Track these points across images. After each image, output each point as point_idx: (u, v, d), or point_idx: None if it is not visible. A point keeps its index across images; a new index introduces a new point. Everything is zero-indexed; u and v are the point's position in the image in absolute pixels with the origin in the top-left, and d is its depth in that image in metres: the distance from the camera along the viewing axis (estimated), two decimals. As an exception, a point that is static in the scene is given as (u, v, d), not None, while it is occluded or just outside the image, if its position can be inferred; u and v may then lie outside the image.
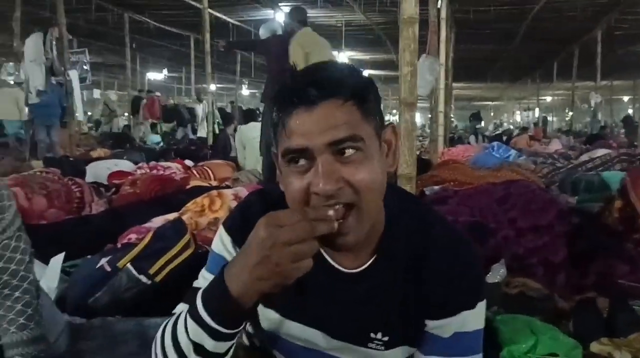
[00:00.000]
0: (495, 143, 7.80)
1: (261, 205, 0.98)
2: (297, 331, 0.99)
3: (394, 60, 15.12)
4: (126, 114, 14.43)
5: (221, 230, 1.03)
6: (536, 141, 11.66)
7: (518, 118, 33.85)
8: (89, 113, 19.78)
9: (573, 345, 1.63)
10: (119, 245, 2.49)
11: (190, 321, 0.82)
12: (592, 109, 14.38)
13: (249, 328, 1.08)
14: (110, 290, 1.98)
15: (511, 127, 23.43)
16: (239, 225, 0.99)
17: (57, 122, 6.83)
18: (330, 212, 0.78)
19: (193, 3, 9.51)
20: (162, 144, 11.23)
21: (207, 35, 8.13)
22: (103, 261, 2.08)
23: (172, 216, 2.92)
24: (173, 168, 5.05)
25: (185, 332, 0.83)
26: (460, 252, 0.93)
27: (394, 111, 34.36)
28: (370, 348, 0.95)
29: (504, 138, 12.50)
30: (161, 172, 4.78)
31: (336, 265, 0.94)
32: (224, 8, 10.46)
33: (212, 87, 12.44)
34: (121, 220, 3.02)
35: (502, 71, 19.01)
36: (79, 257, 2.42)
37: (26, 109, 7.05)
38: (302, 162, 0.83)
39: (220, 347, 0.82)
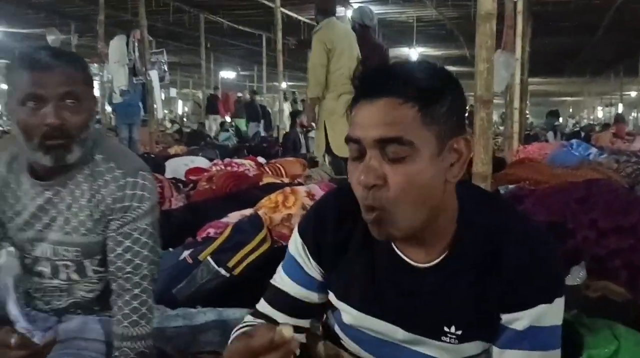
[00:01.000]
0: (574, 140, 7.48)
1: (334, 208, 1.03)
2: (373, 325, 1.01)
3: (467, 55, 14.79)
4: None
5: (295, 234, 1.09)
6: (619, 138, 11.08)
7: (599, 114, 32.24)
8: (166, 111, 20.57)
9: (659, 352, 1.56)
10: (198, 239, 2.60)
11: None
12: (681, 104, 13.47)
13: (330, 319, 1.12)
14: (192, 282, 2.08)
15: (591, 123, 22.35)
16: (312, 230, 1.05)
17: (139, 121, 7.17)
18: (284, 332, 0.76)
19: (265, 2, 9.69)
20: (230, 140, 11.45)
21: (279, 34, 8.26)
22: (185, 254, 2.18)
23: (247, 211, 3.02)
24: (246, 165, 5.18)
25: None
26: (538, 246, 0.92)
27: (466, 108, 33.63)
28: (444, 342, 0.96)
29: (582, 134, 11.94)
30: (235, 169, 4.92)
31: (407, 260, 0.95)
32: (296, 6, 10.59)
33: (284, 84, 12.65)
34: (199, 215, 3.14)
35: (582, 65, 18.16)
36: (162, 249, 2.55)
37: (108, 108, 7.45)
38: (356, 154, 0.86)
39: None
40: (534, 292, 0.91)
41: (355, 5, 9.69)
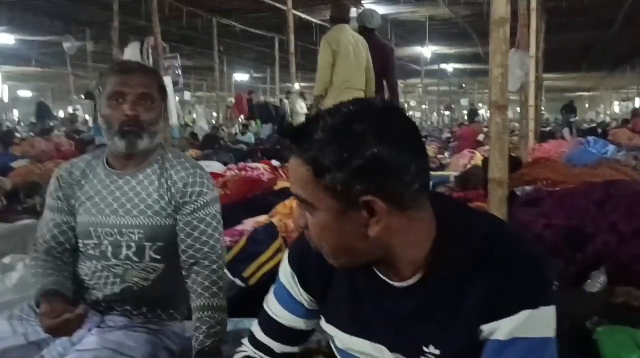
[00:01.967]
0: (591, 138, 7.39)
1: None
2: (360, 346, 1.02)
3: (480, 53, 14.69)
4: (214, 114, 14.94)
5: (285, 262, 1.12)
6: (637, 134, 10.92)
7: (616, 109, 31.81)
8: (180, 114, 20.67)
9: (683, 361, 1.53)
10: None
11: None
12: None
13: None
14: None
15: (607, 118, 22.04)
16: (299, 258, 1.08)
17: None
18: None
19: (277, 5, 9.70)
20: (251, 139, 11.52)
21: (291, 36, 8.27)
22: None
23: (262, 218, 3.02)
24: (260, 169, 5.18)
25: None
26: (520, 253, 0.90)
27: (480, 104, 33.43)
28: (419, 353, 0.94)
29: (599, 131, 11.78)
30: (249, 173, 4.92)
31: (386, 279, 0.95)
32: (308, 8, 10.59)
33: (297, 86, 12.65)
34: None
35: (598, 60, 17.95)
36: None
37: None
38: None
39: None
40: (515, 297, 0.86)
41: (367, 5, 9.68)
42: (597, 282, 2.06)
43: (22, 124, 21.16)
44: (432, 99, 27.88)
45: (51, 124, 15.03)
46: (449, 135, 13.16)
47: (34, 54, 16.22)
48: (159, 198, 1.55)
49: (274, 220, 2.93)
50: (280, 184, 4.44)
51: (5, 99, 18.17)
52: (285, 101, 11.23)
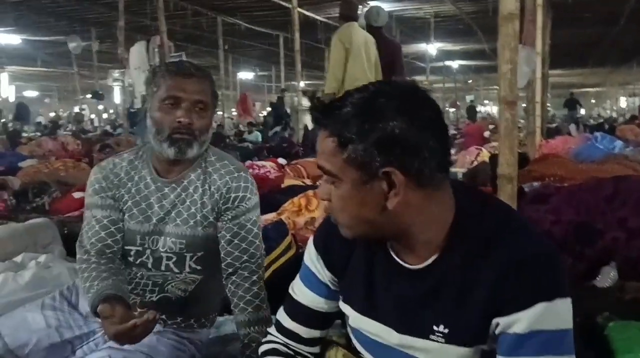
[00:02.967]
0: (598, 133, 7.35)
1: None
2: (370, 326, 1.05)
3: (485, 49, 14.64)
4: (219, 113, 14.96)
5: (310, 245, 1.16)
6: (644, 129, 10.87)
7: (622, 104, 31.66)
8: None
9: (696, 356, 1.52)
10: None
11: None
12: None
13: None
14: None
15: (614, 114, 21.93)
16: (323, 240, 1.11)
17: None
18: None
19: (282, 3, 9.70)
20: (259, 138, 11.53)
21: (296, 34, 8.27)
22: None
23: (270, 216, 3.02)
24: (267, 167, 5.18)
25: None
26: (533, 244, 0.91)
27: (485, 101, 33.27)
28: (432, 340, 0.96)
29: (606, 126, 11.74)
30: (257, 171, 4.93)
31: (401, 262, 0.99)
32: (312, 6, 10.58)
33: (302, 84, 12.65)
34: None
35: (604, 55, 17.86)
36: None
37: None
38: None
39: None
40: (530, 290, 0.87)
41: (372, 3, 9.66)
42: (607, 278, 2.06)
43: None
44: (437, 96, 27.83)
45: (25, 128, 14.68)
46: (454, 132, 13.13)
47: (40, 54, 16.28)
48: (201, 206, 1.50)
49: (283, 217, 2.94)
50: (288, 182, 4.45)
51: (12, 99, 18.19)
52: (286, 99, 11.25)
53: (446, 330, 0.94)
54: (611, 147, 6.23)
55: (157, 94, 1.46)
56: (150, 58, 6.70)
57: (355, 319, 1.07)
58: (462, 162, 6.21)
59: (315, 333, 1.16)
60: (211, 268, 1.55)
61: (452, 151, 8.48)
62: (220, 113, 15.05)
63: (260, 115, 17.89)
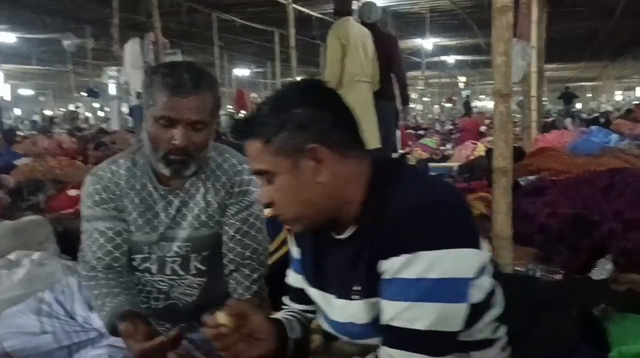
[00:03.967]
0: (593, 127, 7.38)
1: None
2: (314, 295, 1.15)
3: (481, 44, 14.64)
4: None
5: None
6: (639, 122, 10.88)
7: (618, 98, 31.73)
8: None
9: (691, 347, 1.52)
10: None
11: None
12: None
13: None
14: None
15: (609, 108, 21.96)
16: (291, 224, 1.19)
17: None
18: None
19: (277, -1, 9.67)
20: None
21: (292, 30, 8.24)
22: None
23: (265, 211, 3.01)
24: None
25: None
26: (428, 195, 0.98)
27: (481, 96, 33.25)
28: (353, 299, 1.04)
29: (602, 120, 11.75)
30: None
31: (332, 234, 1.09)
32: (308, 2, 10.56)
33: (298, 80, 12.59)
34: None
35: (599, 50, 17.87)
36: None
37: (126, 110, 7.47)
38: None
39: None
40: (414, 237, 0.93)
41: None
42: (603, 270, 2.06)
43: (25, 122, 21.20)
44: (433, 91, 27.81)
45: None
46: (451, 127, 13.14)
47: (35, 52, 16.19)
48: (206, 205, 1.48)
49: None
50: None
51: (8, 98, 18.09)
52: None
53: (359, 288, 1.03)
54: (607, 140, 6.25)
55: (152, 108, 1.36)
56: (145, 55, 6.65)
57: (309, 292, 1.16)
58: (459, 157, 6.21)
59: (303, 307, 1.24)
60: (216, 268, 1.53)
61: (449, 146, 8.52)
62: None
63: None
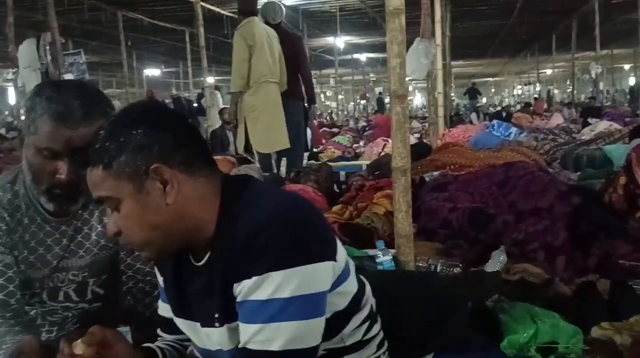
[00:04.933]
0: (495, 121, 7.76)
1: None
2: (184, 326, 1.11)
3: (391, 42, 15.00)
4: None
5: None
6: (537, 115, 11.59)
7: (518, 92, 33.64)
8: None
9: (573, 331, 1.62)
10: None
11: None
12: (593, 79, 14.26)
13: None
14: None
15: (510, 103, 23.23)
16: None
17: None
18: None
19: (185, -3, 9.45)
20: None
21: (201, 29, 8.09)
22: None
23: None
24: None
25: None
26: (270, 212, 0.95)
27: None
28: (216, 326, 1.01)
29: (504, 114, 12.42)
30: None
31: (192, 260, 1.05)
32: (217, 0, 10.39)
33: (210, 79, 12.40)
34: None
35: (501, 47, 18.85)
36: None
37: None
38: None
39: None
40: (262, 258, 0.91)
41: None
42: (497, 261, 2.16)
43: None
44: (347, 88, 28.25)
45: None
46: (364, 124, 13.39)
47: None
48: (104, 228, 1.34)
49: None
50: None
51: None
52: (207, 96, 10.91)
53: (217, 315, 1.00)
54: (507, 134, 6.60)
55: (33, 136, 1.19)
56: (42, 56, 6.30)
57: (177, 322, 1.12)
58: (370, 154, 6.33)
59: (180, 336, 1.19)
60: (114, 293, 1.43)
61: (361, 143, 8.66)
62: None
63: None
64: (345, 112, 22.46)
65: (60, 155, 1.20)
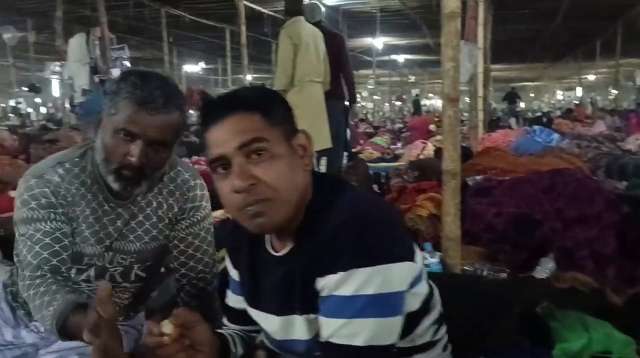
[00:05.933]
0: (536, 127, 7.63)
1: (233, 225, 1.17)
2: (258, 317, 1.13)
3: (430, 44, 14.91)
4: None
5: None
6: (578, 122, 11.35)
7: (559, 97, 32.97)
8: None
9: (627, 341, 1.61)
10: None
11: None
12: (637, 87, 13.91)
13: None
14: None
15: (551, 109, 22.78)
16: (231, 238, 1.20)
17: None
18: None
19: (228, -5, 9.57)
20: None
21: (243, 27, 8.18)
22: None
23: (218, 213, 2.99)
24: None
25: None
26: (357, 211, 0.97)
27: (430, 94, 33.88)
28: (297, 314, 1.03)
29: (544, 120, 12.20)
30: (204, 167, 4.86)
31: (270, 250, 1.07)
32: (259, -1, 10.50)
33: (249, 77, 12.51)
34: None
35: (542, 51, 18.52)
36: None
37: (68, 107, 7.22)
38: (221, 170, 0.99)
39: None
40: (349, 255, 0.92)
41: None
42: (546, 268, 2.14)
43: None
44: (384, 89, 28.14)
45: None
46: (401, 125, 13.33)
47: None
48: (158, 220, 1.42)
49: (230, 215, 2.91)
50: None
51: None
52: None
53: (298, 304, 1.02)
54: (549, 140, 6.49)
55: (113, 117, 1.26)
56: (91, 51, 6.46)
57: (250, 312, 1.15)
58: (409, 156, 6.31)
59: (251, 327, 1.22)
60: (155, 274, 1.51)
61: (399, 145, 8.65)
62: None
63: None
64: (381, 113, 22.36)
65: (135, 138, 1.25)
